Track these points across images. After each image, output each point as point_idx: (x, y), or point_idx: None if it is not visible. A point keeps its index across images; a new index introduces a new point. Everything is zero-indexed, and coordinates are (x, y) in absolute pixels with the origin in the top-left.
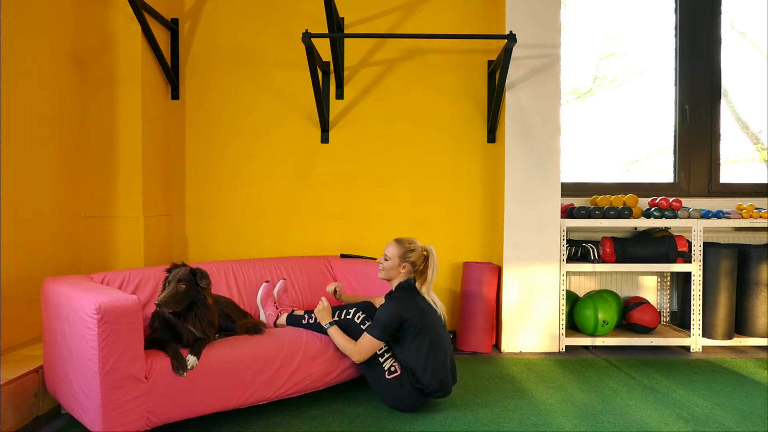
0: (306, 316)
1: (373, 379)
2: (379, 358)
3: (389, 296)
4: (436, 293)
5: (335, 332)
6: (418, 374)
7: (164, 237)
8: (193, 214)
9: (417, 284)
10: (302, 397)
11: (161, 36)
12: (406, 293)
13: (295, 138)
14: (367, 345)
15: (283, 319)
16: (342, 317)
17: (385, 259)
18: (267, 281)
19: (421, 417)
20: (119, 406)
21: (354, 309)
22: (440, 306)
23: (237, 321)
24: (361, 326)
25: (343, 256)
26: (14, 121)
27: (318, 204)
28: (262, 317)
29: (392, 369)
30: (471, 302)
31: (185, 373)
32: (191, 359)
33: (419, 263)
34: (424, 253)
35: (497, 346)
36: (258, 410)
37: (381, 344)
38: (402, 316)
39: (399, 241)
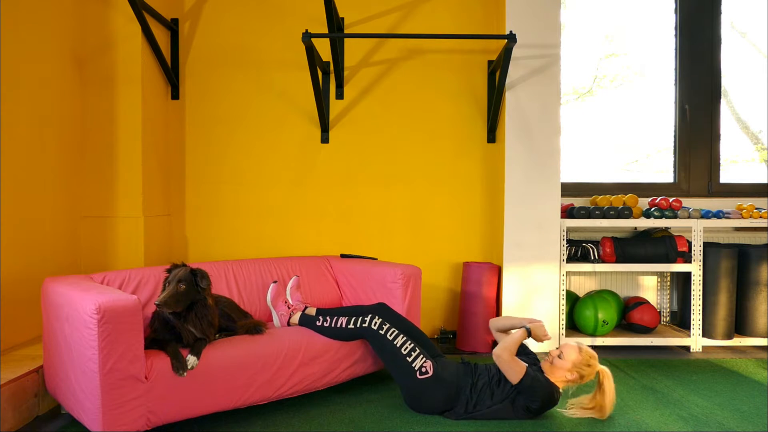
0: (320, 317)
1: (402, 378)
2: (407, 358)
3: (553, 384)
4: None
5: (521, 336)
6: (476, 410)
7: (164, 237)
8: (193, 214)
9: (592, 402)
10: (302, 397)
11: (161, 36)
12: (554, 395)
13: (295, 138)
14: (515, 369)
15: (296, 319)
16: (358, 325)
17: (559, 356)
18: (275, 281)
19: (421, 417)
20: (119, 406)
21: (370, 315)
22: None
23: (237, 321)
24: (379, 331)
25: (343, 256)
26: (14, 121)
27: (318, 204)
28: (275, 318)
29: (423, 369)
30: (471, 302)
31: (185, 373)
32: (191, 359)
33: (587, 380)
34: (600, 375)
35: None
36: (258, 410)
37: (513, 383)
38: (540, 400)
39: (581, 350)
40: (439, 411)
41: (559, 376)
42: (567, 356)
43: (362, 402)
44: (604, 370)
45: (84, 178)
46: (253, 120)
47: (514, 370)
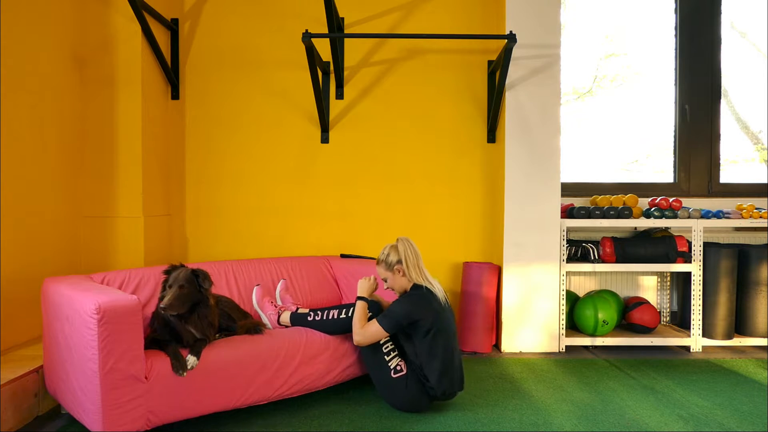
0: (312, 313)
1: (378, 377)
2: (385, 357)
3: (404, 294)
4: None
5: (360, 307)
6: (428, 375)
7: (164, 237)
8: (193, 214)
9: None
10: (302, 397)
11: (161, 36)
12: (420, 292)
13: (295, 138)
14: (373, 332)
15: (286, 317)
16: (350, 315)
17: (384, 280)
18: (258, 285)
19: (421, 417)
20: (119, 406)
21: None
22: (440, 290)
23: (237, 321)
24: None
25: (343, 256)
26: (14, 121)
27: (318, 204)
28: (264, 320)
29: (398, 368)
30: (471, 302)
31: (185, 373)
32: (191, 359)
33: (405, 257)
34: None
35: (497, 346)
36: (258, 410)
37: (386, 335)
38: (412, 315)
39: (377, 261)
40: (409, 410)
41: (401, 283)
42: (381, 275)
43: (362, 402)
44: (399, 238)
45: (84, 178)
46: (253, 120)
47: (375, 334)
